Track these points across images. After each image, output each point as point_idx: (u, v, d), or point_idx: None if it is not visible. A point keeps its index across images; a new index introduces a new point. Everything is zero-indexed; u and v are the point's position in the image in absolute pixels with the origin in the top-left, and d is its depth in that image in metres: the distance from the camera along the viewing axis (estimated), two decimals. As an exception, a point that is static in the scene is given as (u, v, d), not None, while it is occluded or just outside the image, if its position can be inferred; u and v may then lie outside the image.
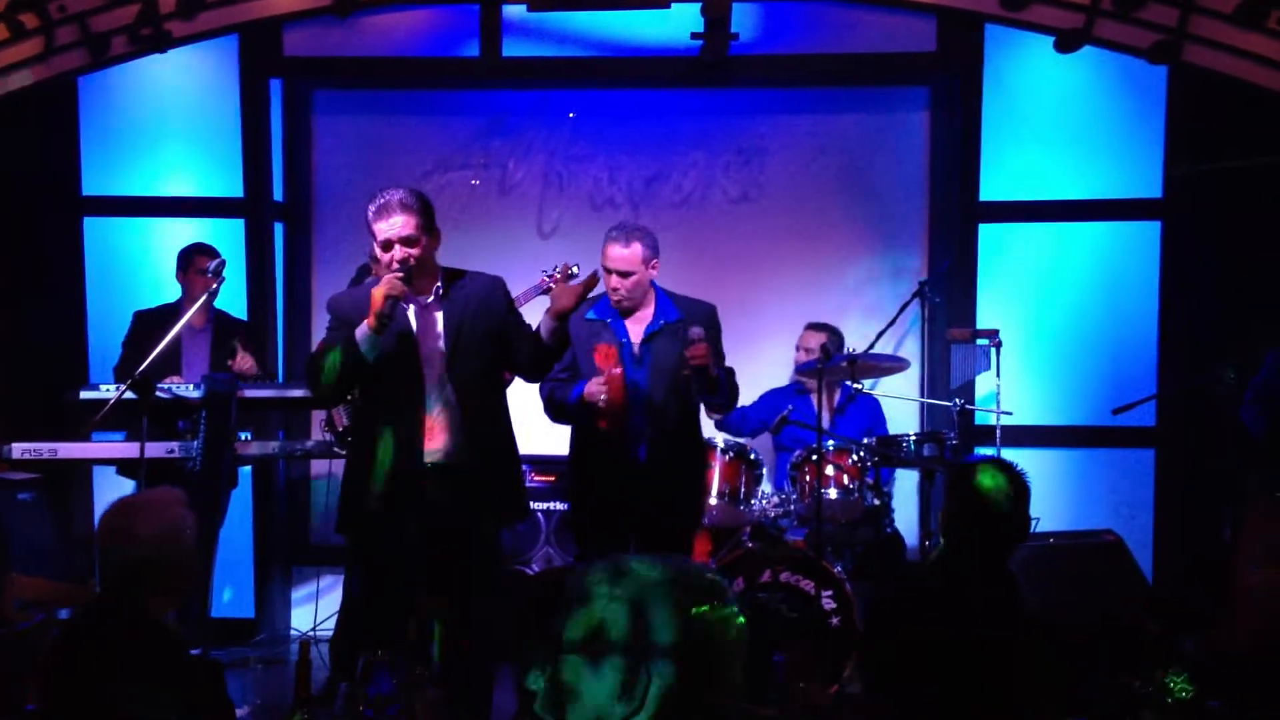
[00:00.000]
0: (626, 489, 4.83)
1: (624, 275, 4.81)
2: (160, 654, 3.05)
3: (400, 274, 4.24)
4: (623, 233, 4.86)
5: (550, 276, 5.55)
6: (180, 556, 3.13)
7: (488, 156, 6.98)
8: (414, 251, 4.29)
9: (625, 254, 4.81)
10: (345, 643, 5.33)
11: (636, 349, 4.87)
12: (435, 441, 4.33)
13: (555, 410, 4.98)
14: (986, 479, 3.41)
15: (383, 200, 4.32)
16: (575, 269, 5.43)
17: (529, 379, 4.70)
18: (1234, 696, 4.30)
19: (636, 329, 4.91)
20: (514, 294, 5.45)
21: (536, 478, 6.14)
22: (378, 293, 4.21)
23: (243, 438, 5.60)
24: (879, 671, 3.32)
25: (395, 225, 4.28)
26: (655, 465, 4.84)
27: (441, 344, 4.35)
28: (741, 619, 1.85)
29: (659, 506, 4.84)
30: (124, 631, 3.04)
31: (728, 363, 5.05)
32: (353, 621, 5.39)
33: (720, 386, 4.87)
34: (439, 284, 4.40)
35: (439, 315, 4.38)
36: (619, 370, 4.81)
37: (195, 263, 6.01)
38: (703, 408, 6.13)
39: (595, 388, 4.77)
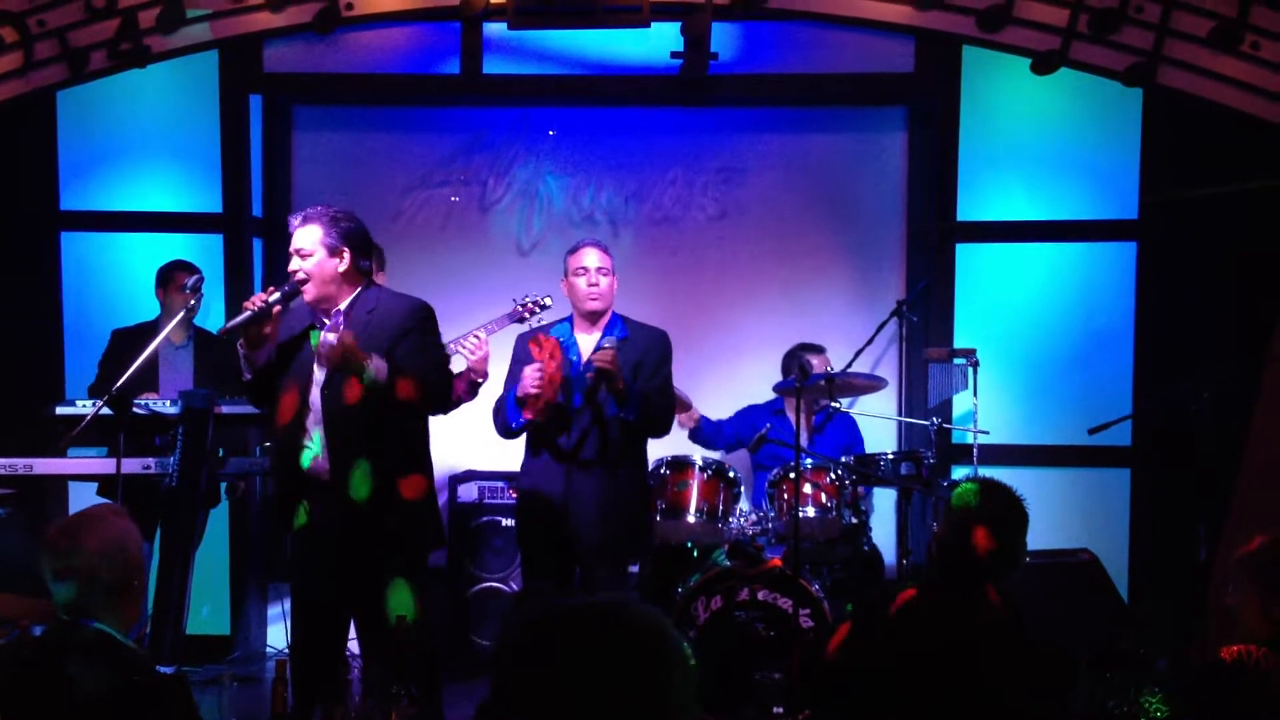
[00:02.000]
0: (564, 509, 4.86)
1: (603, 272, 4.99)
2: (120, 672, 3.02)
3: (266, 293, 4.31)
4: (596, 240, 5.15)
5: (523, 305, 5.53)
6: (126, 570, 3.10)
7: (468, 173, 6.99)
8: (303, 265, 4.35)
9: (601, 255, 5.03)
10: (300, 664, 5.31)
11: (582, 366, 4.93)
12: (311, 461, 4.37)
13: (499, 423, 5.04)
14: (975, 499, 3.42)
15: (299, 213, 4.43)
16: (548, 300, 5.44)
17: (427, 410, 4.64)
18: (1208, 715, 4.32)
19: (588, 347, 4.98)
20: (485, 321, 5.47)
21: (513, 495, 6.13)
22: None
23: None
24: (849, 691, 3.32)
25: (296, 236, 4.38)
26: (592, 485, 4.86)
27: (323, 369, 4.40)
28: (690, 660, 1.80)
29: (598, 528, 4.86)
30: (83, 654, 3.01)
31: (704, 380, 5.07)
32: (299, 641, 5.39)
33: (631, 401, 4.85)
34: (342, 306, 4.41)
35: (332, 338, 4.39)
36: (554, 362, 4.80)
37: (174, 279, 5.99)
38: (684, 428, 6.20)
39: (529, 374, 4.80)
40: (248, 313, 4.28)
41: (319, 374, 4.39)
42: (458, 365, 5.69)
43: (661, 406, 5.00)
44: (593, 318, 5.02)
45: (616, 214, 6.95)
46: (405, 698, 3.65)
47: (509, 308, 5.54)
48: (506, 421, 4.97)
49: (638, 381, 4.91)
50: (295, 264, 4.36)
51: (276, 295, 4.31)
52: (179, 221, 6.73)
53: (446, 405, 4.83)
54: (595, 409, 4.88)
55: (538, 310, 5.48)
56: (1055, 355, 6.57)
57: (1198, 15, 6.01)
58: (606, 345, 4.81)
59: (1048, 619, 5.23)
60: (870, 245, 6.89)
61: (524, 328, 5.36)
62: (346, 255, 4.37)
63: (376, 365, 4.24)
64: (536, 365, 4.82)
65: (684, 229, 6.94)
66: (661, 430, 5.12)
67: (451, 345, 5.58)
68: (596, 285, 4.98)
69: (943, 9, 6.20)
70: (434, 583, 6.04)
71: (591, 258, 5.01)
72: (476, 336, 5.39)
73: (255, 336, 4.33)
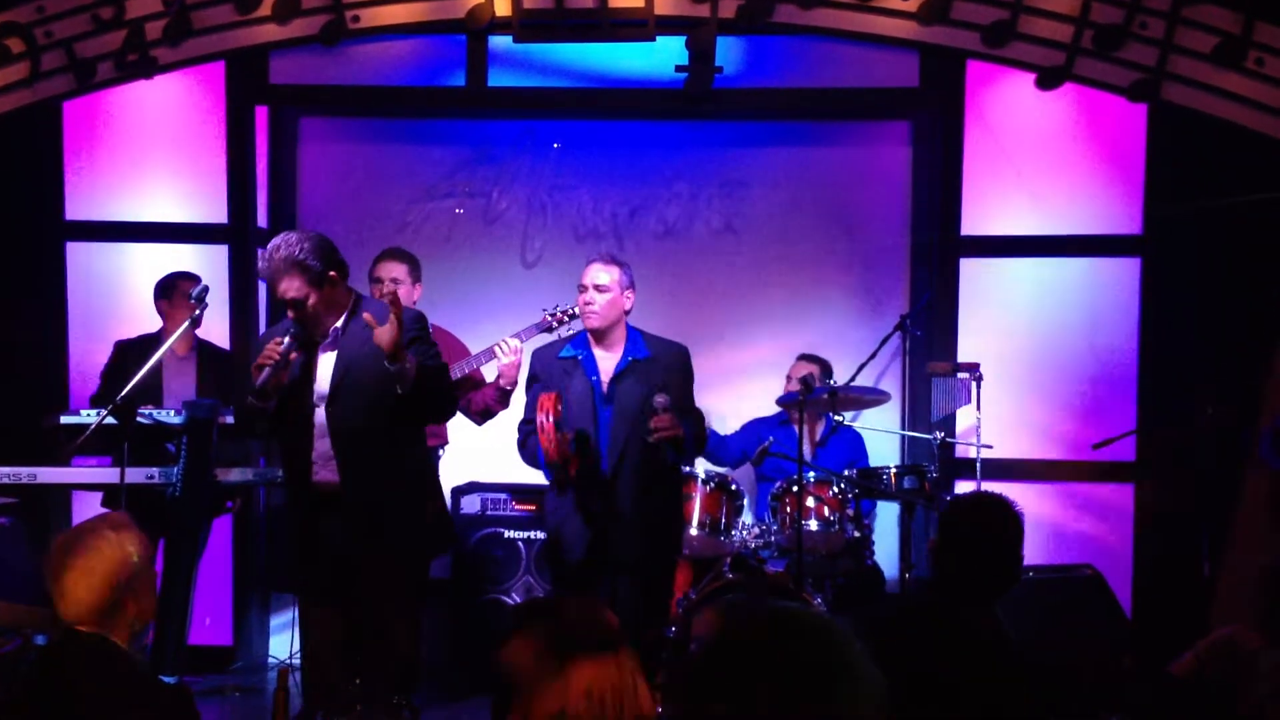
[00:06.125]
0: (596, 526, 4.84)
1: (600, 289, 4.89)
2: (126, 683, 3.02)
3: (277, 344, 4.34)
4: (607, 255, 5.06)
5: (553, 315, 5.54)
6: (120, 586, 3.07)
7: (472, 186, 7.00)
8: (306, 310, 4.40)
9: (605, 270, 4.93)
10: (313, 671, 5.31)
11: (605, 387, 4.91)
12: (320, 475, 4.46)
13: (526, 457, 5.00)
14: (973, 515, 3.42)
15: (265, 261, 4.42)
16: (577, 310, 5.40)
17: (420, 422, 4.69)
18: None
19: (607, 367, 4.94)
20: (515, 330, 5.50)
21: (516, 506, 6.14)
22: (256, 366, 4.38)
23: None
24: None
25: (283, 290, 4.39)
26: (621, 502, 4.83)
27: (326, 385, 4.44)
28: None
29: (631, 543, 4.84)
30: (87, 664, 3.01)
31: (709, 395, 5.06)
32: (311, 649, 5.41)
33: (686, 445, 4.83)
34: (339, 323, 4.44)
35: (332, 356, 4.43)
36: (551, 424, 4.65)
37: (178, 289, 6.00)
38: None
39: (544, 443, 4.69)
40: (268, 368, 4.30)
41: (321, 390, 4.43)
42: (490, 373, 5.72)
43: (699, 434, 4.98)
44: (597, 335, 4.97)
45: (621, 226, 6.95)
46: (406, 709, 3.66)
47: (538, 317, 5.57)
48: (542, 471, 4.88)
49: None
50: (296, 312, 4.40)
51: (287, 343, 4.35)
52: (185, 232, 6.74)
53: (448, 411, 4.86)
54: (615, 445, 4.82)
55: (566, 320, 5.48)
56: (1059, 370, 6.56)
57: (1202, 31, 6.01)
58: (659, 406, 4.67)
59: (1050, 634, 5.23)
60: (874, 259, 6.89)
61: (552, 336, 5.38)
62: (334, 275, 4.42)
63: (411, 360, 4.32)
64: (548, 436, 4.67)
65: (688, 242, 6.95)
66: (697, 455, 5.12)
67: (482, 355, 5.62)
68: (591, 303, 4.91)
69: (947, 24, 6.21)
70: (436, 595, 6.05)
71: (590, 274, 4.95)
72: (506, 342, 5.45)
73: (273, 386, 4.37)
